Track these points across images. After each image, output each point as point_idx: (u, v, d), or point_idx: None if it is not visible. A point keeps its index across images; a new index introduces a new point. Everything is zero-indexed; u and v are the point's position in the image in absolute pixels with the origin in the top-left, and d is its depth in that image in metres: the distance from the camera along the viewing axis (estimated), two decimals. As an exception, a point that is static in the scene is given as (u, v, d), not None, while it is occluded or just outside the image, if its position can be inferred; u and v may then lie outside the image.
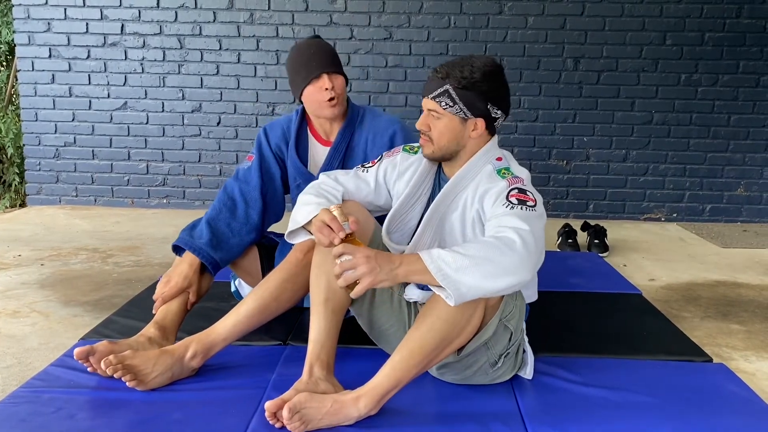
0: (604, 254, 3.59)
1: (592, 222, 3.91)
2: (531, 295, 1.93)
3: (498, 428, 1.65)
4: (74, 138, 4.61)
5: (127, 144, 4.60)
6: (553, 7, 4.33)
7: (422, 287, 1.82)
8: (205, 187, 4.64)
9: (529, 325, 1.99)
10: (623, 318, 2.50)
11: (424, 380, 1.87)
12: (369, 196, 1.97)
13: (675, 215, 4.52)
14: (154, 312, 2.08)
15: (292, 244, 1.99)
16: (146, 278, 3.00)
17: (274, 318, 1.97)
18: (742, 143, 4.43)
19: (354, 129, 2.29)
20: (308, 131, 2.35)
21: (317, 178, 2.02)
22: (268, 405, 1.60)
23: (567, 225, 3.86)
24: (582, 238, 3.83)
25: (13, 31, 4.63)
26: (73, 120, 4.59)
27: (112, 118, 4.58)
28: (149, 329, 2.00)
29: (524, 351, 1.91)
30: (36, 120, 4.60)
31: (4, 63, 5.92)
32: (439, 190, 1.87)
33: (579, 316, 2.51)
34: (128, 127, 4.58)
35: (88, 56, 4.51)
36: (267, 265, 2.29)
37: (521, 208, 1.67)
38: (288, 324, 2.25)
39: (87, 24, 4.47)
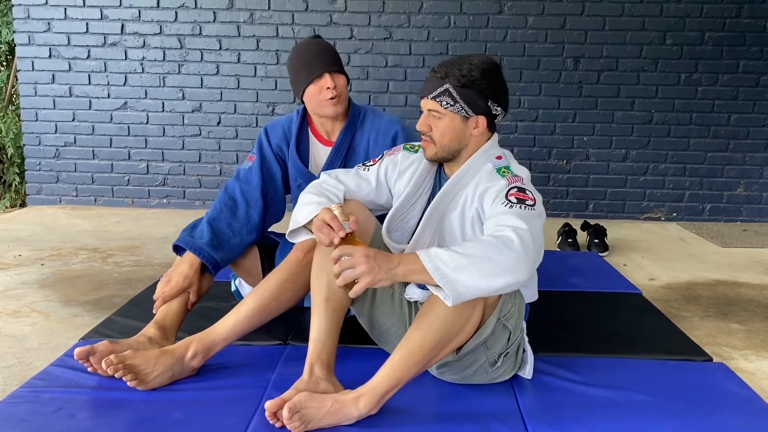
0: (604, 254, 3.59)
1: (592, 221, 3.92)
2: (531, 295, 1.93)
3: (498, 428, 1.65)
4: (74, 138, 4.61)
5: (128, 144, 4.60)
6: (553, 6, 4.33)
7: (423, 287, 1.82)
8: (205, 186, 4.64)
9: (529, 324, 1.99)
10: (623, 317, 2.50)
11: (424, 380, 1.87)
12: (370, 194, 1.97)
13: (675, 215, 4.53)
14: (154, 312, 2.08)
15: (293, 244, 1.99)
16: (146, 278, 3.00)
17: (275, 318, 1.97)
18: (742, 143, 4.43)
19: (355, 129, 2.30)
20: (309, 131, 2.35)
21: (318, 178, 2.02)
22: (269, 405, 1.60)
23: (567, 224, 3.86)
24: (582, 237, 3.83)
25: (13, 31, 4.63)
26: (73, 120, 4.59)
27: (112, 118, 4.58)
28: (149, 329, 2.00)
29: (524, 350, 1.91)
30: (36, 120, 4.60)
31: (4, 63, 5.93)
32: (440, 189, 1.87)
33: (579, 315, 2.51)
34: (128, 126, 4.58)
35: (88, 56, 4.51)
36: (267, 265, 2.29)
37: (520, 207, 1.68)
38: (288, 324, 2.25)
39: (87, 24, 4.47)
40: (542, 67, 4.40)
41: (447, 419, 1.70)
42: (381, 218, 1.96)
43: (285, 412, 1.56)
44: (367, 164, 2.01)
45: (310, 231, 1.81)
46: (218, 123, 4.56)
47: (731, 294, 2.97)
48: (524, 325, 1.90)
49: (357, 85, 4.41)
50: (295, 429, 1.58)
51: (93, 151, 4.62)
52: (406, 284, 1.90)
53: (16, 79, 4.81)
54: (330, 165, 2.27)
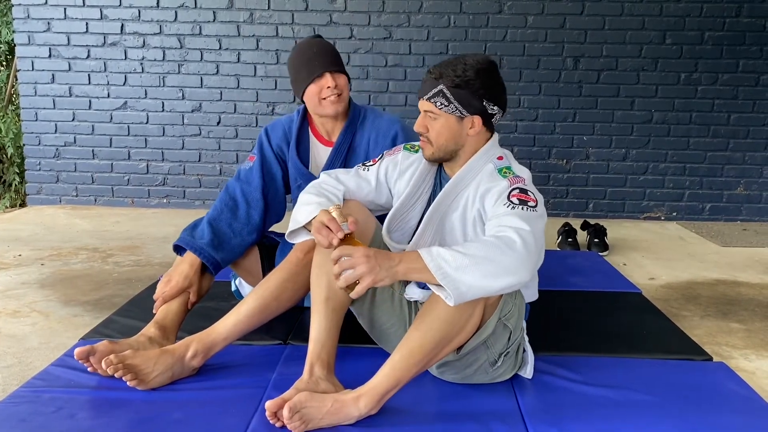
0: (604, 253, 3.59)
1: (592, 221, 3.92)
2: (531, 295, 1.93)
3: (498, 427, 1.65)
4: (74, 138, 4.61)
5: (127, 144, 4.60)
6: (553, 6, 4.33)
7: (423, 286, 1.82)
8: (205, 186, 4.64)
9: (529, 324, 1.99)
10: (623, 317, 2.50)
11: (425, 379, 1.87)
12: (370, 194, 1.97)
13: (675, 214, 4.53)
14: (154, 312, 2.08)
15: (293, 244, 1.99)
16: (146, 278, 3.00)
17: (275, 317, 1.97)
18: (741, 142, 4.43)
19: (356, 129, 2.29)
20: (309, 131, 2.35)
21: (318, 178, 2.02)
22: (269, 404, 1.60)
23: (567, 224, 3.86)
24: (582, 237, 3.83)
25: (13, 31, 4.63)
26: (73, 120, 4.59)
27: (112, 118, 4.58)
28: (150, 329, 2.00)
29: (524, 350, 1.92)
30: (36, 120, 4.60)
31: (4, 63, 5.92)
32: (440, 189, 1.87)
33: (579, 315, 2.51)
34: (128, 126, 4.58)
35: (88, 56, 4.51)
36: (267, 265, 2.29)
37: (522, 209, 1.68)
38: (288, 323, 2.25)
39: (87, 24, 4.47)
40: (542, 67, 4.40)
41: (447, 419, 1.70)
42: (381, 218, 1.96)
43: (285, 412, 1.56)
44: (367, 164, 2.01)
45: (310, 231, 1.81)
46: (218, 123, 4.56)
47: (731, 293, 2.97)
48: (524, 324, 1.90)
49: (357, 84, 4.40)
50: (295, 429, 1.58)
51: (93, 150, 4.62)
52: (406, 284, 1.90)
53: (16, 79, 4.81)
54: (330, 165, 2.26)
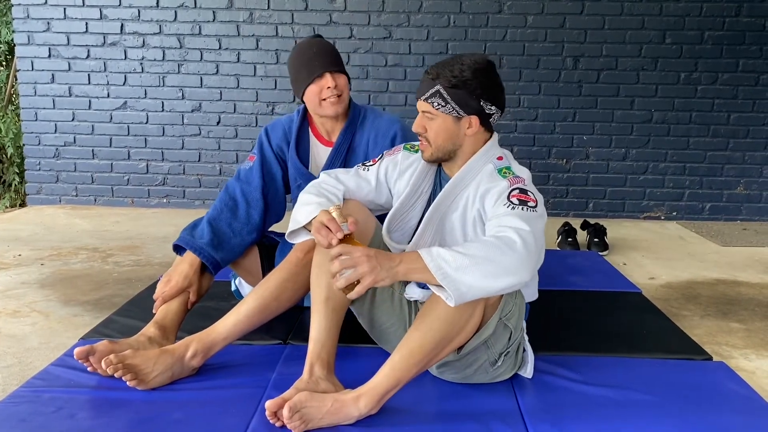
0: (604, 253, 3.59)
1: (592, 221, 3.92)
2: (531, 294, 1.93)
3: (498, 427, 1.65)
4: (74, 138, 4.60)
5: (127, 143, 4.60)
6: (553, 5, 4.33)
7: (423, 286, 1.82)
8: (205, 186, 4.64)
9: (529, 323, 1.99)
10: (623, 316, 2.50)
11: (425, 379, 1.87)
12: (370, 194, 1.97)
13: (675, 214, 4.53)
14: (154, 311, 2.08)
15: (293, 244, 1.99)
16: (146, 278, 3.00)
17: (275, 317, 1.97)
18: (741, 142, 4.43)
19: (356, 129, 2.29)
20: (309, 131, 2.35)
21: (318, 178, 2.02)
22: (269, 404, 1.60)
23: (567, 224, 3.86)
24: (582, 236, 3.83)
25: (13, 31, 4.62)
26: (72, 120, 4.59)
27: (111, 118, 4.58)
28: (149, 329, 2.00)
29: (524, 350, 1.91)
30: (36, 120, 4.60)
31: (4, 63, 5.92)
32: (440, 189, 1.87)
33: (579, 314, 2.51)
34: (128, 126, 4.58)
35: (88, 56, 4.51)
36: (267, 265, 2.29)
37: (522, 209, 1.67)
38: (288, 323, 2.25)
39: (86, 23, 4.47)
40: (542, 67, 4.40)
41: (447, 419, 1.70)
42: (381, 219, 1.96)
43: (285, 412, 1.56)
44: (367, 164, 2.01)
45: (310, 231, 1.81)
46: (218, 122, 4.56)
47: (731, 293, 2.97)
48: (524, 324, 1.90)
49: (357, 84, 4.40)
50: (295, 428, 1.58)
51: (93, 150, 4.62)
52: (406, 284, 1.90)
53: (16, 79, 4.80)
54: (330, 165, 2.26)
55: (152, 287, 2.56)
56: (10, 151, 4.93)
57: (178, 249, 2.17)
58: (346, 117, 2.29)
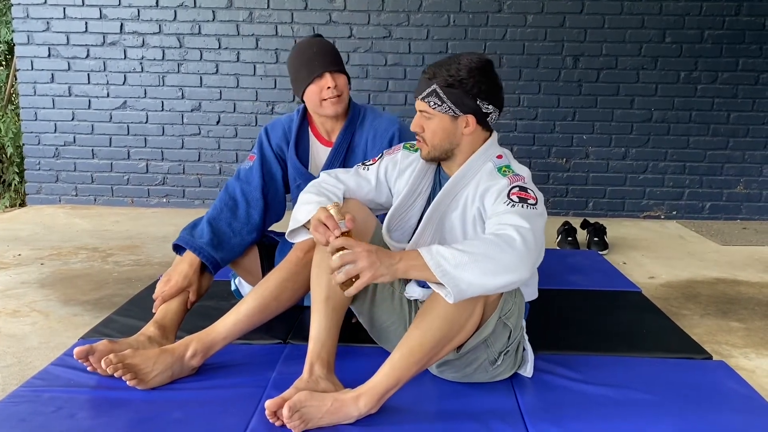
0: (604, 252, 3.59)
1: (592, 220, 3.92)
2: (531, 294, 1.93)
3: (498, 426, 1.65)
4: (74, 137, 4.60)
5: (127, 143, 4.60)
6: (553, 5, 4.32)
7: (423, 285, 1.82)
8: (204, 186, 4.64)
9: (529, 322, 1.99)
10: (623, 316, 2.50)
11: (424, 378, 1.87)
12: (370, 193, 1.97)
13: (674, 213, 4.52)
14: (153, 311, 2.08)
15: (293, 243, 1.99)
16: (146, 277, 3.00)
17: (275, 317, 1.97)
18: (741, 141, 4.43)
19: (355, 129, 2.29)
20: (309, 131, 2.35)
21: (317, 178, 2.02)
22: (268, 404, 1.60)
23: (567, 223, 3.86)
24: (582, 235, 3.83)
25: (12, 31, 4.62)
26: (72, 119, 4.59)
27: (111, 118, 4.58)
28: (149, 328, 2.00)
29: (524, 349, 1.91)
30: (35, 119, 4.60)
31: (4, 62, 5.92)
32: (440, 188, 1.87)
33: (579, 313, 2.51)
34: (128, 126, 4.58)
35: (88, 55, 4.51)
36: (267, 264, 2.29)
37: (522, 206, 1.68)
38: (288, 322, 2.25)
39: (86, 23, 4.47)
40: (542, 66, 4.40)
41: (447, 418, 1.70)
42: (382, 218, 1.95)
43: (285, 411, 1.56)
44: (367, 163, 2.01)
45: (310, 230, 1.81)
46: (218, 122, 4.56)
47: (731, 292, 2.97)
48: (524, 323, 1.90)
49: (356, 84, 4.40)
50: (295, 428, 1.58)
51: (92, 150, 4.62)
52: (406, 283, 1.90)
53: (16, 79, 4.80)
54: (329, 165, 2.26)
55: (152, 287, 2.56)
56: (9, 150, 4.94)
57: (178, 248, 2.17)
58: (346, 117, 2.29)
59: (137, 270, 3.15)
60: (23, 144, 4.68)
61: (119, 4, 4.43)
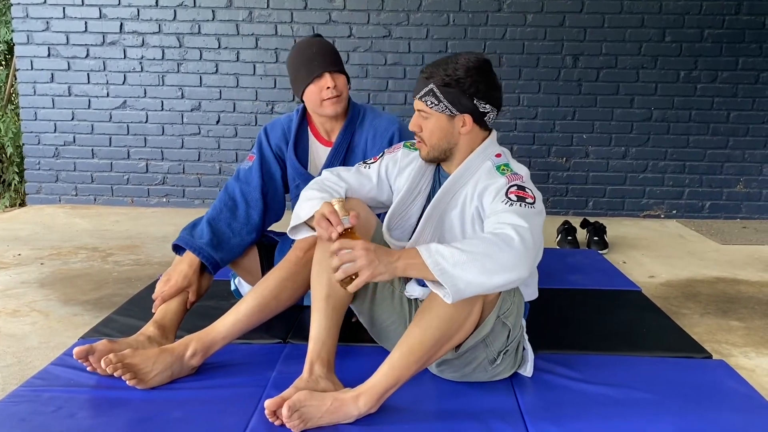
0: (604, 251, 3.59)
1: (592, 219, 3.92)
2: (532, 293, 1.93)
3: (498, 425, 1.65)
4: (74, 137, 4.60)
5: (127, 143, 4.60)
6: (552, 4, 4.32)
7: (423, 284, 1.82)
8: (204, 185, 4.64)
9: (529, 322, 1.99)
10: (623, 315, 2.50)
11: (424, 378, 1.87)
12: (371, 192, 1.97)
13: (674, 212, 4.52)
14: (153, 311, 2.08)
15: (292, 243, 1.99)
16: (146, 277, 3.00)
17: (274, 316, 1.97)
18: (741, 140, 4.43)
19: (355, 129, 2.29)
20: (309, 131, 2.35)
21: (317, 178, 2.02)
22: (268, 403, 1.60)
23: (566, 222, 3.86)
24: (581, 235, 3.83)
25: (12, 30, 4.62)
26: (72, 119, 4.59)
27: (111, 117, 4.58)
28: (149, 328, 2.00)
29: (524, 348, 1.92)
30: (35, 119, 4.60)
31: (3, 62, 5.92)
32: (439, 186, 1.87)
33: (578, 313, 2.52)
34: (128, 126, 4.58)
35: (87, 55, 4.51)
36: (266, 264, 2.29)
37: (520, 205, 1.68)
38: (288, 322, 2.25)
39: (86, 23, 4.47)
40: (541, 65, 4.39)
41: (447, 417, 1.70)
42: (382, 217, 1.96)
43: (284, 411, 1.56)
44: (368, 162, 2.01)
45: (311, 228, 1.81)
46: (217, 122, 4.56)
47: (731, 291, 2.97)
48: (524, 322, 1.90)
49: (356, 83, 4.40)
50: (294, 427, 1.58)
51: (92, 150, 4.62)
52: (406, 282, 1.90)
53: (15, 78, 4.80)
54: (329, 165, 2.26)
55: (152, 287, 2.56)
56: (9, 150, 4.94)
57: (178, 249, 2.17)
58: (346, 117, 2.29)
59: (137, 270, 3.15)
60: (23, 144, 4.68)
61: (119, 4, 4.43)
